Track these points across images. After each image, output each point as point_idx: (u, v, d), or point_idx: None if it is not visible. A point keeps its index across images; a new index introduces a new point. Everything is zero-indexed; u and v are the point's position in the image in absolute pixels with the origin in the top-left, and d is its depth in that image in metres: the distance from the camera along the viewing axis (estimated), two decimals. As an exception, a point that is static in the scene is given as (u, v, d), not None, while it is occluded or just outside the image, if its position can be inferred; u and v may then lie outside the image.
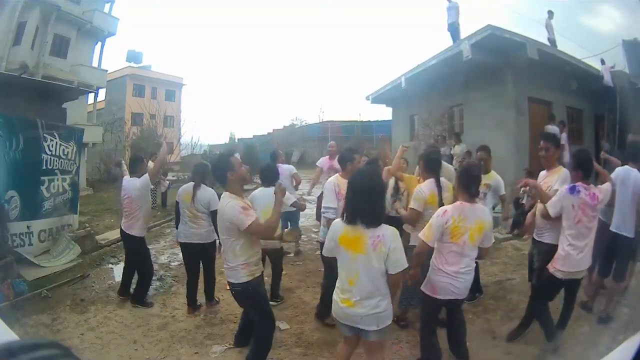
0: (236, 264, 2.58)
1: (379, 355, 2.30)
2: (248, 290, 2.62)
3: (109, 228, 7.08)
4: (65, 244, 5.33)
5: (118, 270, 5.16)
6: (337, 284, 2.24)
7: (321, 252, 3.30)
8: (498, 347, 3.05)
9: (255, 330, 2.80)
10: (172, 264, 5.33)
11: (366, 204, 2.10)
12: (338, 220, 2.27)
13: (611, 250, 3.48)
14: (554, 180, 3.10)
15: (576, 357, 2.87)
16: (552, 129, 8.29)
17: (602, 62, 9.00)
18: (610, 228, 3.43)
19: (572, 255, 2.74)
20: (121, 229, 4.06)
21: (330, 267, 3.34)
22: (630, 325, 3.20)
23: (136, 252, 4.07)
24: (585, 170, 2.83)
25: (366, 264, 2.09)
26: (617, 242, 3.39)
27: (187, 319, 3.69)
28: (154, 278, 4.63)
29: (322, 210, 3.42)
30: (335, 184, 3.37)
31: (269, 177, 3.89)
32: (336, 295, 2.22)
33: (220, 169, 2.66)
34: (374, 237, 2.07)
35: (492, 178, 3.86)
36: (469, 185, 2.50)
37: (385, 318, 2.15)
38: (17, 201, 4.85)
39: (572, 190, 2.75)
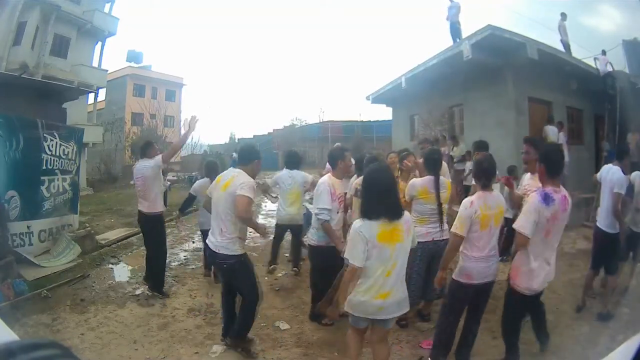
0: (234, 236, 2.83)
1: (387, 345, 2.52)
2: (241, 261, 2.88)
3: (109, 228, 7.08)
4: (65, 244, 5.32)
5: (118, 270, 5.17)
6: (364, 286, 2.22)
7: (315, 255, 3.38)
8: (498, 347, 3.04)
9: (242, 303, 2.99)
10: (173, 264, 5.32)
11: (393, 197, 2.26)
12: (361, 221, 2.22)
13: (598, 245, 3.57)
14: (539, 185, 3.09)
15: (576, 357, 2.87)
16: (551, 129, 8.30)
17: (603, 52, 8.95)
18: (597, 224, 3.58)
19: (538, 271, 2.51)
20: (139, 212, 4.28)
21: (322, 269, 3.37)
22: (630, 325, 3.21)
23: (153, 231, 4.27)
24: (552, 165, 2.48)
25: (403, 250, 2.26)
26: (602, 238, 3.52)
27: (187, 319, 3.69)
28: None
29: (316, 211, 3.36)
30: (330, 185, 3.34)
31: (291, 162, 4.62)
32: (363, 296, 2.21)
33: (254, 153, 3.10)
34: (406, 222, 2.26)
35: None
36: (480, 176, 2.71)
37: (408, 301, 2.36)
38: (17, 201, 4.84)
39: (547, 200, 2.40)
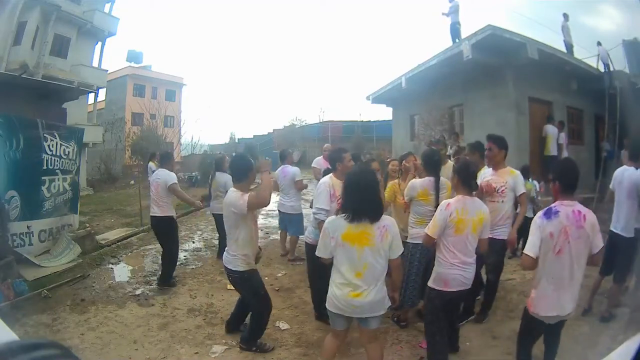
0: (237, 254, 2.92)
1: (379, 343, 2.50)
2: (244, 277, 2.98)
3: (109, 228, 7.09)
4: (65, 244, 5.32)
5: (118, 270, 5.17)
6: (338, 280, 2.29)
7: (313, 254, 3.39)
8: (498, 347, 3.05)
9: (252, 313, 3.13)
10: (172, 264, 5.32)
11: (370, 200, 2.23)
12: (334, 218, 2.33)
13: (611, 250, 3.49)
14: (508, 182, 3.33)
15: (576, 357, 2.87)
16: (551, 129, 8.31)
17: (599, 43, 8.99)
18: (610, 227, 3.45)
19: (555, 296, 2.24)
20: (151, 217, 4.63)
21: (319, 267, 3.41)
22: (630, 325, 3.21)
23: (166, 232, 4.58)
24: (568, 183, 2.29)
25: (375, 255, 2.22)
26: (616, 242, 3.40)
27: (187, 319, 3.69)
28: (154, 277, 4.70)
29: (314, 211, 3.40)
30: (330, 185, 3.36)
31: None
32: (338, 290, 2.27)
33: (243, 168, 3.00)
34: (380, 227, 2.22)
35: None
36: (467, 180, 2.64)
37: (387, 301, 2.34)
38: (17, 201, 4.84)
39: (548, 214, 2.23)
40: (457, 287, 2.60)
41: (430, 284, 2.68)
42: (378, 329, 2.42)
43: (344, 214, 2.26)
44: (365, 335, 2.41)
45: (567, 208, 2.22)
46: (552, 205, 2.28)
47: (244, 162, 3.05)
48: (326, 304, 2.36)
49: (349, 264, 2.23)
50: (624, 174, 3.43)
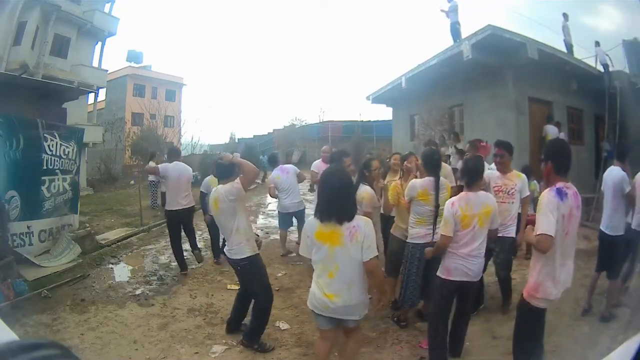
0: (242, 241, 3.00)
1: (358, 335, 2.51)
2: (253, 262, 3.04)
3: (109, 228, 7.08)
4: (65, 244, 5.32)
5: (118, 270, 5.17)
6: (316, 278, 2.32)
7: None
8: (498, 347, 3.04)
9: (255, 303, 3.17)
10: (173, 263, 5.31)
11: (338, 201, 2.23)
12: (311, 218, 2.37)
13: (602, 248, 3.57)
14: (517, 185, 3.49)
15: (576, 357, 2.87)
16: (551, 128, 8.31)
17: (597, 44, 9.00)
18: (600, 227, 3.57)
19: (561, 278, 2.22)
20: (177, 210, 4.80)
21: None
22: (630, 325, 3.21)
23: (191, 219, 5.01)
24: (561, 161, 2.23)
25: (345, 256, 2.20)
26: (605, 240, 3.51)
27: (187, 319, 3.69)
28: (154, 277, 4.73)
29: None
30: None
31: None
32: (316, 289, 2.30)
33: (227, 167, 3.05)
34: (350, 227, 2.20)
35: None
36: (465, 176, 2.74)
37: (365, 307, 2.33)
38: (17, 201, 4.84)
39: (560, 194, 2.14)
40: (460, 276, 2.64)
41: (437, 272, 2.75)
42: (359, 325, 2.47)
43: (315, 212, 2.31)
44: (346, 332, 2.46)
45: (570, 190, 2.19)
46: (559, 186, 2.17)
47: (227, 164, 3.14)
48: (307, 303, 2.40)
49: (323, 263, 2.26)
50: (610, 174, 3.56)
